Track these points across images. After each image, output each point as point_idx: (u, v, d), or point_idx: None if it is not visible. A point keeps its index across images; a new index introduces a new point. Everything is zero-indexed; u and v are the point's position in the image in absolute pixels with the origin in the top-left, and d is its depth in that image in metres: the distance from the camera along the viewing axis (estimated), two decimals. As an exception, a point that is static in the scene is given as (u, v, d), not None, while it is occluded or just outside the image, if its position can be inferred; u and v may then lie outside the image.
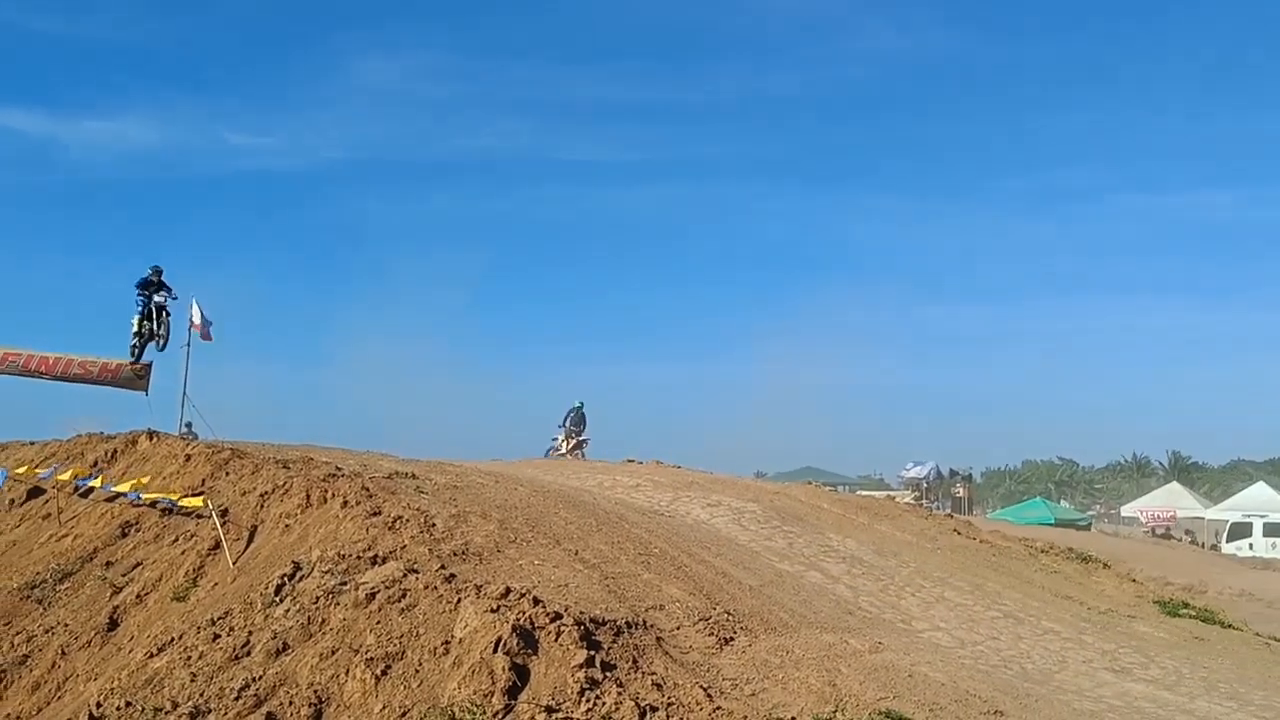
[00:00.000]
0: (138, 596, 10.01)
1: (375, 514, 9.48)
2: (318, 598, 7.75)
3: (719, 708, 6.16)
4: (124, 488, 12.40)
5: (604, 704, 6.12)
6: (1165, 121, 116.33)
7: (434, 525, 9.35)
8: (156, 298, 18.53)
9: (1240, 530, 40.44)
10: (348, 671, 6.83)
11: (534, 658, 6.58)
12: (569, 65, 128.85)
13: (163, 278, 18.73)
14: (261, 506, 10.66)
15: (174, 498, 11.43)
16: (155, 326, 18.60)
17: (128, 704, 7.03)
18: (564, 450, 24.14)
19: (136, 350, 18.91)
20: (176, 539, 10.85)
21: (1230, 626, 11.00)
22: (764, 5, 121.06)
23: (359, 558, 8.39)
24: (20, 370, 19.35)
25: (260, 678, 6.99)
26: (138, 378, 18.92)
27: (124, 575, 10.59)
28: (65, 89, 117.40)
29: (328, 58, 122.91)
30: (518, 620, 6.77)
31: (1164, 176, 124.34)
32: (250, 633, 7.64)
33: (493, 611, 6.94)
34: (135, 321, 18.75)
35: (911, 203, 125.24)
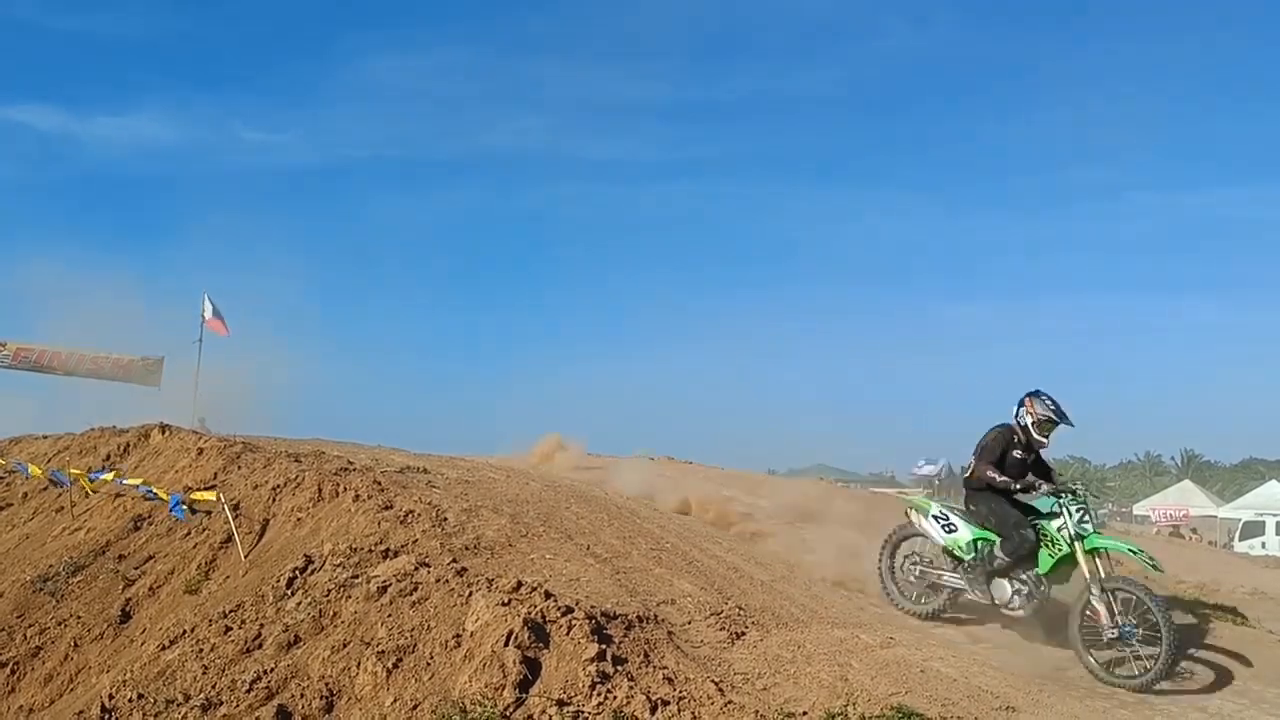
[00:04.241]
0: (150, 589, 10.04)
1: (387, 508, 9.49)
2: (329, 591, 7.77)
3: (730, 702, 6.15)
4: (135, 481, 12.45)
5: (615, 698, 6.12)
6: (1183, 118, 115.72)
7: (446, 519, 9.36)
8: None
9: (1253, 529, 40.29)
10: (359, 664, 6.84)
11: (545, 651, 6.58)
12: (588, 64, 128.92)
13: None
14: (273, 500, 10.68)
15: (192, 494, 11.45)
16: None
17: (140, 696, 7.05)
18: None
19: None
20: (189, 532, 10.87)
21: (1244, 624, 10.92)
22: (781, 4, 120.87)
23: (370, 551, 8.40)
24: (34, 365, 19.49)
25: (272, 670, 7.01)
26: (149, 372, 19.02)
27: (136, 568, 10.62)
28: (80, 85, 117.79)
29: (344, 55, 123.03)
30: (529, 614, 6.77)
31: (1182, 174, 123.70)
32: (262, 625, 7.66)
33: (504, 605, 6.94)
34: None
35: (924, 200, 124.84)
